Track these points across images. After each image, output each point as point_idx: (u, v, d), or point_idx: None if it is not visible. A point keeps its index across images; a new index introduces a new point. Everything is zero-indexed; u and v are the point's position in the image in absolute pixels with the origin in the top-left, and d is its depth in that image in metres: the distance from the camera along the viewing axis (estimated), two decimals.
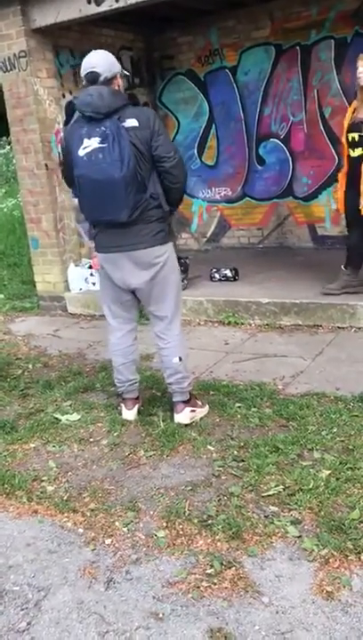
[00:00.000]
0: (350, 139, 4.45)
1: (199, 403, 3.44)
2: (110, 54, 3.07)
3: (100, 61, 2.99)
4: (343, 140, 4.56)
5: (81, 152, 2.92)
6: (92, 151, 2.88)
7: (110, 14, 5.06)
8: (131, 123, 2.90)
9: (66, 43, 5.82)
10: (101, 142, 2.86)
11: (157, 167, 3.01)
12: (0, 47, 5.50)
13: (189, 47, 6.95)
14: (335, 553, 2.22)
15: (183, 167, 3.14)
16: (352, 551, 2.22)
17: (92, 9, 4.96)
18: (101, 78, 2.96)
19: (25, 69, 5.43)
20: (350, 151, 4.47)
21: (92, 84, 2.97)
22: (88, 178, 2.93)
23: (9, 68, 5.51)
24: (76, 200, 5.05)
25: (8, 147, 13.88)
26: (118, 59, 7.19)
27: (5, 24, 5.39)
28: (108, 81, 2.99)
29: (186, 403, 3.34)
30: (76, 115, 3.19)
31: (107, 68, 2.98)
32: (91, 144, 2.88)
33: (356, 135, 4.38)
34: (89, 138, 2.89)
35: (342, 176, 4.68)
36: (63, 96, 5.86)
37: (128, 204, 2.93)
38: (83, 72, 3.01)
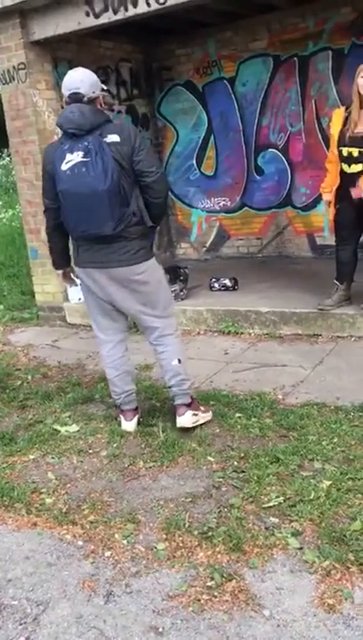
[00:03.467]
0: (345, 153, 4.23)
1: (202, 408, 3.44)
2: (92, 73, 3.06)
3: (83, 82, 2.99)
4: (335, 152, 4.30)
5: (64, 166, 2.92)
6: (75, 165, 2.89)
7: (109, 26, 5.09)
8: (112, 138, 2.92)
9: (65, 55, 5.85)
10: (85, 156, 2.87)
11: (139, 182, 3.03)
12: None
13: (188, 59, 6.99)
14: (337, 565, 2.20)
15: (165, 182, 3.17)
16: (354, 563, 2.20)
17: (91, 21, 4.99)
18: (85, 99, 2.97)
19: (24, 81, 5.45)
20: (346, 167, 4.27)
21: (75, 102, 2.97)
22: (72, 192, 2.93)
23: (8, 80, 5.53)
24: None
25: (7, 158, 13.94)
26: (117, 70, 7.23)
27: (5, 37, 5.42)
28: (91, 101, 3.00)
29: (188, 406, 3.34)
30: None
31: (89, 89, 2.99)
32: (73, 158, 2.90)
33: (356, 150, 4.16)
34: (72, 152, 2.91)
35: (332, 194, 4.42)
36: (62, 107, 5.86)
37: (113, 217, 2.94)
38: (65, 91, 3.01)
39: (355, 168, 4.24)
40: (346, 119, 4.26)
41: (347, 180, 4.32)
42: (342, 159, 4.29)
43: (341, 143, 4.27)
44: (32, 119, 5.52)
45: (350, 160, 4.25)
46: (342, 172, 4.34)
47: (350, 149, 4.21)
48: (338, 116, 4.35)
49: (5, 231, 10.28)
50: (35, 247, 5.94)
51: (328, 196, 4.52)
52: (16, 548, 2.52)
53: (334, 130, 4.34)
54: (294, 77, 6.38)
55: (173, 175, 7.39)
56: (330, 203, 4.53)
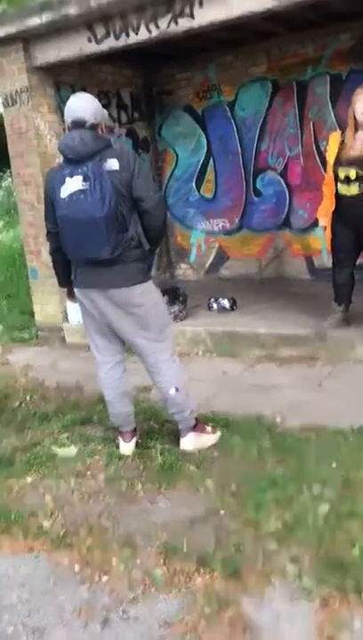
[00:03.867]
0: (342, 175, 4.26)
1: (209, 429, 3.44)
2: (94, 99, 3.11)
3: (86, 108, 3.03)
4: (331, 175, 4.35)
5: (63, 192, 2.96)
6: (73, 192, 2.93)
7: (110, 52, 5.17)
8: (111, 164, 2.95)
9: (67, 79, 5.94)
10: (83, 182, 2.91)
11: (137, 207, 3.06)
12: (2, 84, 5.61)
13: (188, 83, 7.08)
14: (335, 592, 2.18)
15: (163, 207, 3.21)
16: (353, 590, 2.18)
17: (93, 47, 5.07)
18: (88, 125, 3.01)
19: (26, 104, 5.53)
20: (344, 188, 4.29)
21: (77, 128, 3.01)
22: (70, 218, 2.97)
23: (10, 103, 5.61)
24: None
25: (9, 179, 14.05)
26: (118, 94, 7.28)
27: (7, 61, 5.51)
28: (94, 126, 3.04)
29: (192, 429, 3.35)
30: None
31: (92, 115, 3.03)
32: (73, 183, 2.93)
33: (353, 172, 4.19)
34: (71, 177, 2.94)
35: (329, 217, 4.46)
36: (64, 130, 5.92)
37: (110, 243, 2.96)
38: (68, 117, 3.04)
39: (353, 190, 4.27)
40: (342, 142, 4.33)
41: (344, 202, 4.37)
42: (340, 181, 4.33)
43: (337, 165, 4.33)
44: (34, 142, 5.59)
45: (347, 182, 4.29)
46: (339, 194, 4.38)
47: (347, 171, 4.26)
48: (335, 139, 4.41)
49: (6, 251, 10.31)
50: (35, 268, 5.97)
51: (324, 220, 4.57)
52: (12, 573, 2.50)
53: (331, 153, 4.40)
54: (292, 102, 6.46)
55: (173, 197, 7.45)
56: (326, 227, 4.57)
